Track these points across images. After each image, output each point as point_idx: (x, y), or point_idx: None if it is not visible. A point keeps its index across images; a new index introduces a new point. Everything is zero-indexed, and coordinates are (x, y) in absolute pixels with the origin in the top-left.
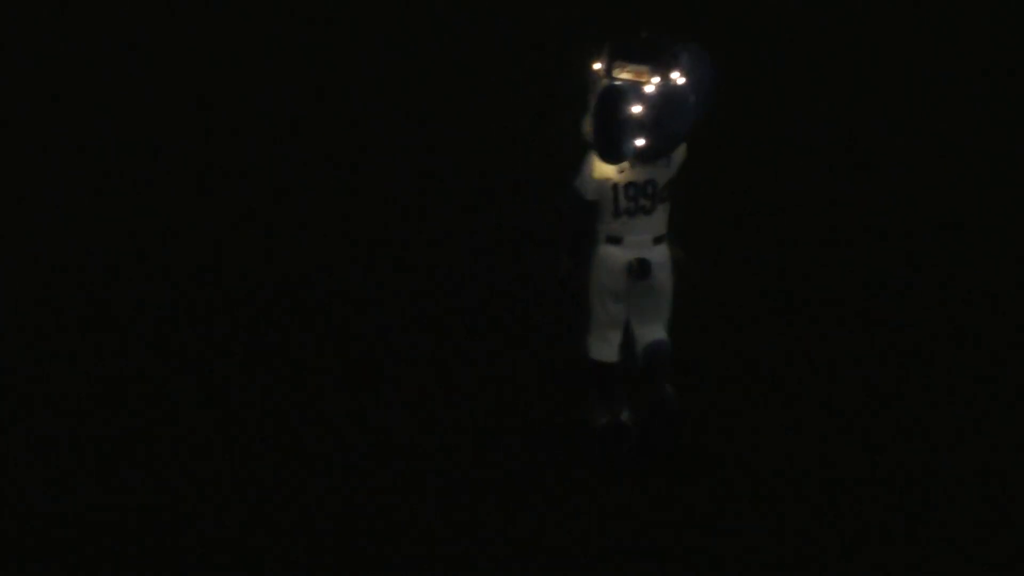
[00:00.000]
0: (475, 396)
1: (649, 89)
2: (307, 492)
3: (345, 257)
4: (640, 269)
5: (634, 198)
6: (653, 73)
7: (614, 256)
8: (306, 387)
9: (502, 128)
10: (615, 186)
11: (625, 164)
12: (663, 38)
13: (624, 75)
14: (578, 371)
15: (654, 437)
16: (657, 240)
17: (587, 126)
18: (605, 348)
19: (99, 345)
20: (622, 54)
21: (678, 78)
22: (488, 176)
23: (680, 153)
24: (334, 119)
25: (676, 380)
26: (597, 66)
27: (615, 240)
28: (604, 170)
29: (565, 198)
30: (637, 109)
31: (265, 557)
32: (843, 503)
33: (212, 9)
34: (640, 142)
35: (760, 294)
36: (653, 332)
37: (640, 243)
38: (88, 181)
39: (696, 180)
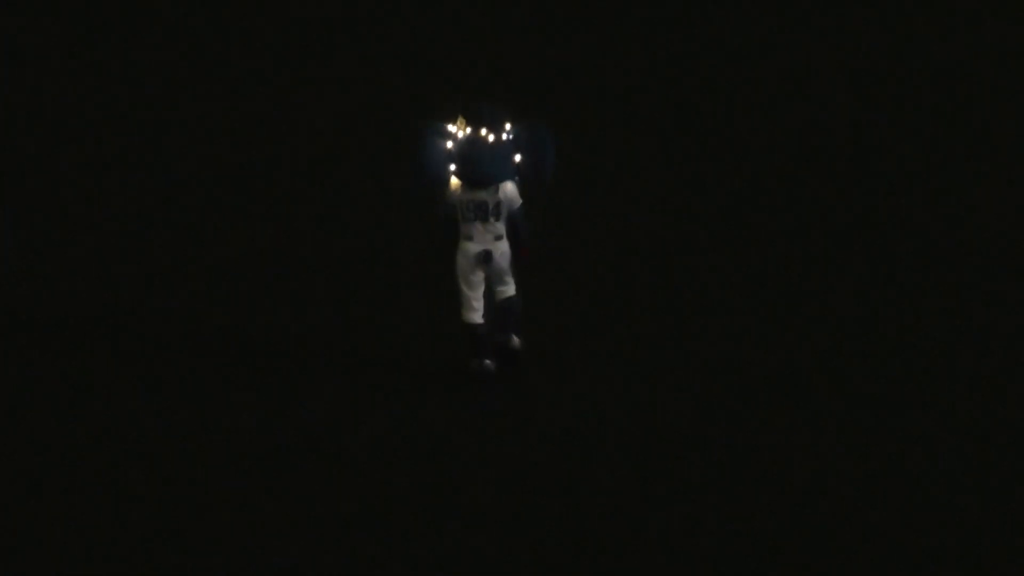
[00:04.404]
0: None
1: (460, 135)
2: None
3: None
4: (485, 257)
5: (473, 211)
6: (467, 126)
7: (467, 248)
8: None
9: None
10: (460, 202)
11: (460, 186)
12: (489, 107)
13: (452, 125)
14: (457, 332)
15: (502, 370)
16: (497, 239)
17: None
18: (471, 314)
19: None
20: (458, 112)
21: (487, 134)
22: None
23: (508, 191)
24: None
25: (524, 331)
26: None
27: (468, 238)
28: (453, 191)
29: (440, 206)
30: (448, 145)
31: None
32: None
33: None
34: (452, 167)
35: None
36: (505, 291)
37: (483, 240)
38: None
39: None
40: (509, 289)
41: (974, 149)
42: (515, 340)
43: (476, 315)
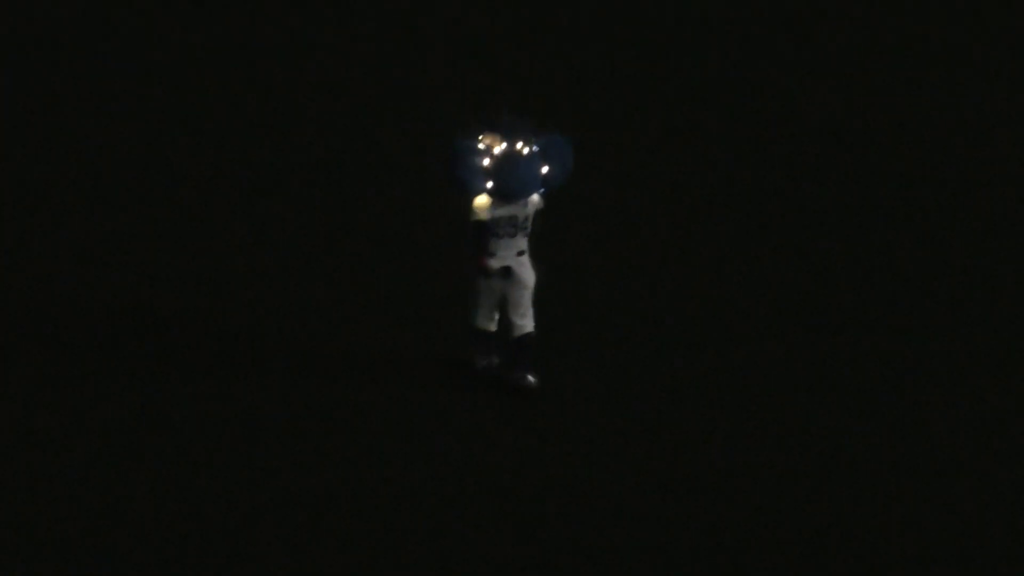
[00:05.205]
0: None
1: (496, 150)
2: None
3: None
4: (505, 273)
5: (504, 227)
6: (501, 141)
7: (489, 264)
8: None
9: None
10: (492, 220)
11: (490, 204)
12: (517, 120)
13: (484, 140)
14: (467, 334)
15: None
16: (519, 254)
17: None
18: (486, 321)
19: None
20: (485, 126)
21: (522, 148)
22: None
23: (535, 201)
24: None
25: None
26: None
27: (491, 254)
28: (482, 209)
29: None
30: (485, 161)
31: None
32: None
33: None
34: (488, 184)
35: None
36: (522, 326)
37: (507, 256)
38: None
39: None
40: (527, 324)
41: (977, 149)
42: (530, 379)
43: (490, 324)
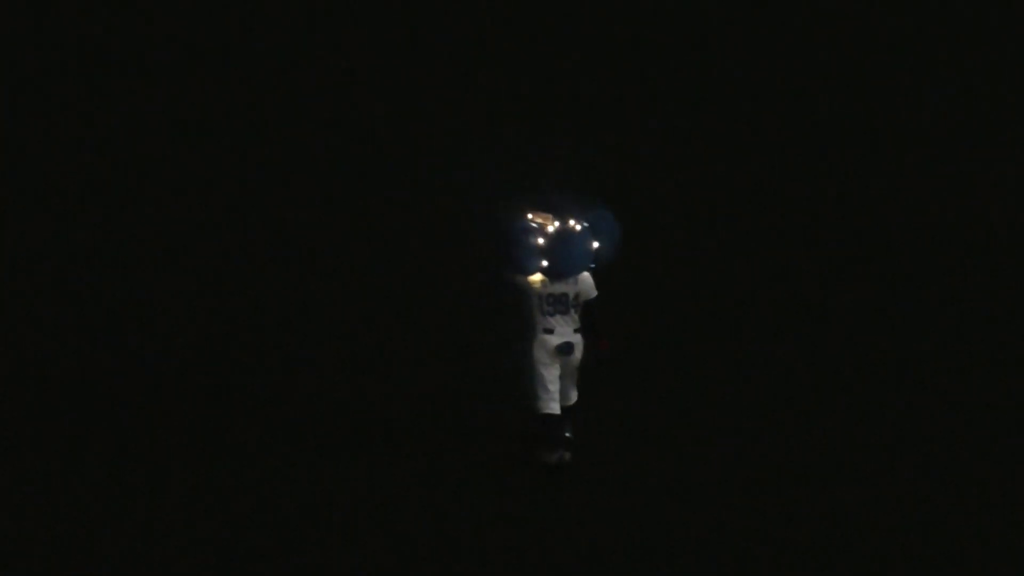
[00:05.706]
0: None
1: (549, 229)
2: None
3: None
4: (567, 349)
5: (553, 304)
6: (555, 219)
7: (549, 340)
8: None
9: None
10: (540, 295)
11: (543, 281)
12: (568, 198)
13: (537, 219)
14: (531, 424)
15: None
16: (575, 331)
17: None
18: (550, 404)
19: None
20: (537, 205)
21: (574, 225)
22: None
23: (586, 281)
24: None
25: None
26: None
27: (548, 331)
28: (532, 284)
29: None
30: (540, 240)
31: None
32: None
33: None
34: (544, 263)
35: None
36: (570, 397)
37: (565, 332)
38: None
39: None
40: (572, 396)
41: (976, 149)
42: (566, 456)
43: (555, 406)
